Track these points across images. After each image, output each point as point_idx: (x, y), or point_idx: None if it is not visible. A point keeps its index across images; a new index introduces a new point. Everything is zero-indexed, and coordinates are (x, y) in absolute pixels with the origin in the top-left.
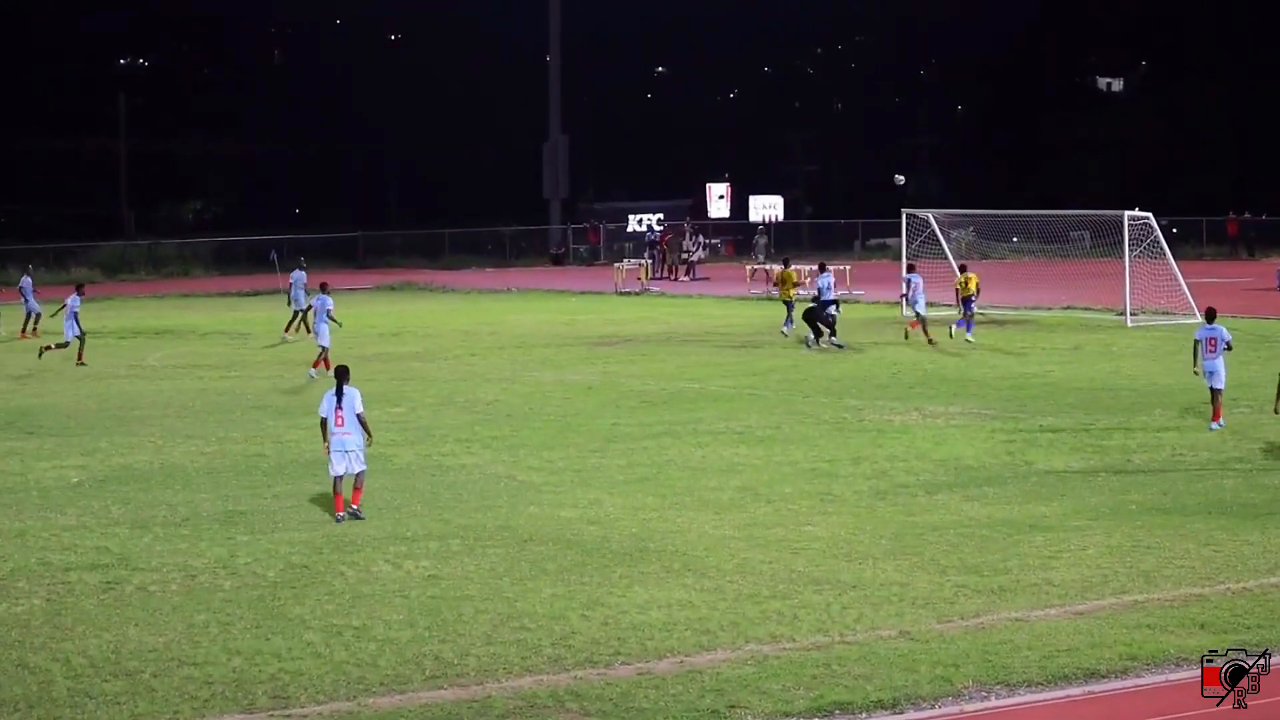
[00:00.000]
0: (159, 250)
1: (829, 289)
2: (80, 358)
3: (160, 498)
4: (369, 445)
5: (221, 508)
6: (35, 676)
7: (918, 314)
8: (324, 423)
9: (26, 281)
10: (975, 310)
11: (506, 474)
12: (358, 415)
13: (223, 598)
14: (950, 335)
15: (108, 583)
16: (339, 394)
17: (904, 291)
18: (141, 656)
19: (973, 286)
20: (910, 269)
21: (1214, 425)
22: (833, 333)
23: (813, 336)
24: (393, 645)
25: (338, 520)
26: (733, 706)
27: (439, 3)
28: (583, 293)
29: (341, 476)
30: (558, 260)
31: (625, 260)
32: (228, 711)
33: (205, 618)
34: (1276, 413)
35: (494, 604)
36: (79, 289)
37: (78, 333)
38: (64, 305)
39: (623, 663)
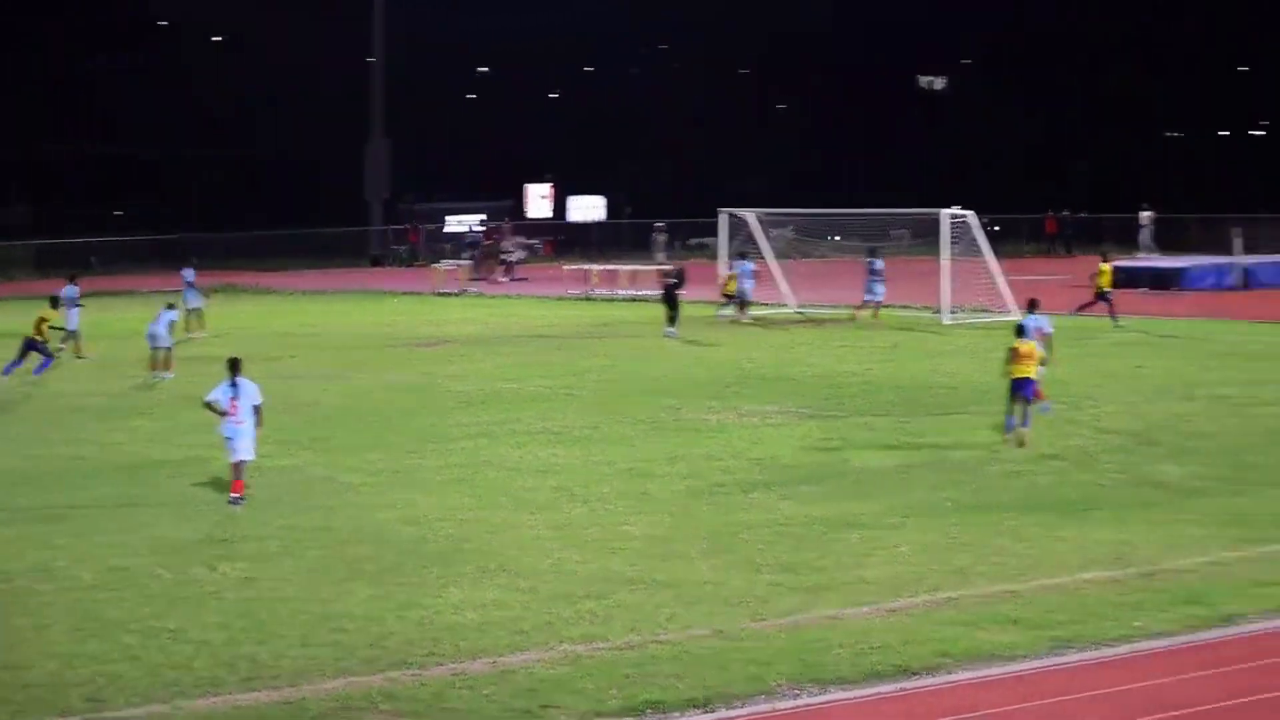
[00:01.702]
0: None
1: (747, 276)
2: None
3: None
4: (258, 434)
5: (40, 511)
6: None
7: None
8: (211, 405)
9: (188, 273)
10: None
11: (325, 475)
12: (255, 407)
13: (40, 601)
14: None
15: None
16: (234, 385)
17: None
18: None
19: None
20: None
21: (1042, 407)
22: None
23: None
24: (208, 647)
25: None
26: (546, 706)
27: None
28: (402, 294)
29: (244, 462)
30: (377, 261)
31: (444, 261)
32: (43, 715)
33: (21, 622)
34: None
35: (310, 605)
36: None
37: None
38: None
39: (437, 663)
